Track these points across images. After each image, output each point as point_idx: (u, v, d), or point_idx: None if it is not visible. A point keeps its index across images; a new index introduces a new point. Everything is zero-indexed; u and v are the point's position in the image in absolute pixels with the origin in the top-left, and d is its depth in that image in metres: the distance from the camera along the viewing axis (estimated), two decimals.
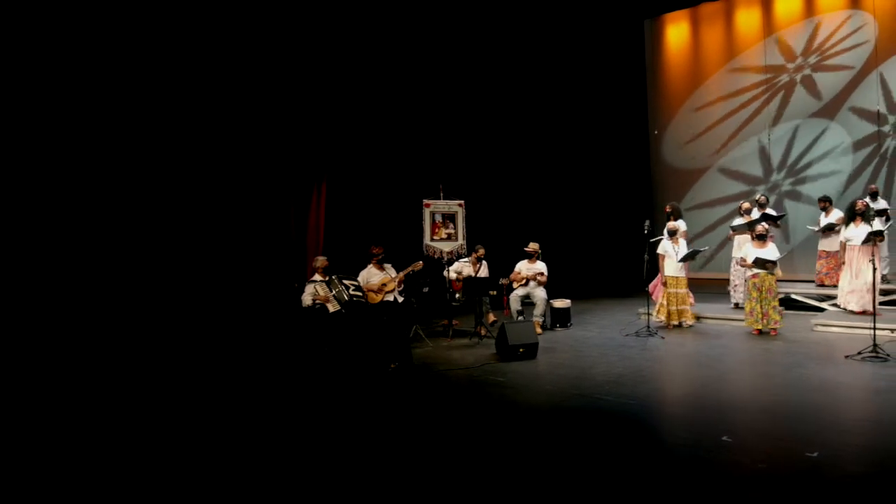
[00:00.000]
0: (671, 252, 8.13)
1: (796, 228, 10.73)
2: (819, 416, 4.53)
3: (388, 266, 7.66)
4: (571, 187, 12.97)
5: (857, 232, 7.82)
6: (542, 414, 4.95)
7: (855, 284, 7.85)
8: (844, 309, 8.01)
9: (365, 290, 7.43)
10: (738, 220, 8.99)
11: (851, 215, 7.97)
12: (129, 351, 6.80)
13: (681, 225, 8.75)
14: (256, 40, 8.39)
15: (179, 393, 5.64)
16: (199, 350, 7.08)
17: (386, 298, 7.48)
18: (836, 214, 8.85)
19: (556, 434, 4.40)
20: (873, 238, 7.43)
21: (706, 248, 9.12)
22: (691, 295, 8.45)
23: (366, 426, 4.66)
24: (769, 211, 9.20)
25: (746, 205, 9.11)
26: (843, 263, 8.11)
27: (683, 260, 8.13)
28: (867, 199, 8.71)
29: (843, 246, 8.10)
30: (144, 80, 7.40)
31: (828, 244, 9.01)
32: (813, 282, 9.33)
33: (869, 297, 7.65)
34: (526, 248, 8.44)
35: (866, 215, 7.76)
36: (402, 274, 7.57)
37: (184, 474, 3.82)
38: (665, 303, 8.18)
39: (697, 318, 8.54)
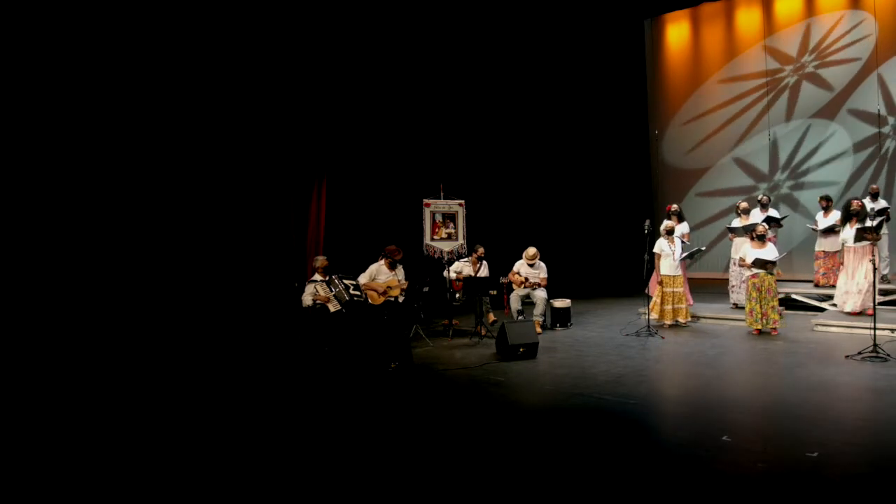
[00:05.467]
0: (667, 250, 8.12)
1: (796, 229, 10.74)
2: (819, 416, 4.53)
3: (399, 268, 7.62)
4: (572, 187, 12.98)
5: (851, 233, 7.80)
6: (543, 414, 4.95)
7: (850, 286, 7.84)
8: (841, 311, 7.99)
9: (368, 288, 7.40)
10: (736, 221, 8.96)
11: (847, 216, 7.95)
12: (130, 350, 6.81)
13: (683, 227, 8.74)
14: (258, 39, 8.38)
15: (180, 392, 5.64)
16: (199, 350, 7.08)
17: (387, 299, 7.48)
18: (835, 216, 8.80)
19: (557, 434, 4.40)
20: (863, 235, 7.37)
21: (703, 248, 9.12)
22: (689, 294, 8.44)
23: (366, 426, 4.66)
24: (772, 213, 9.16)
25: (744, 205, 9.05)
26: (843, 264, 8.09)
27: (683, 259, 8.12)
28: (867, 199, 8.70)
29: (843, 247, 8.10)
30: (144, 80, 7.40)
31: (827, 244, 8.96)
32: (812, 282, 9.33)
33: (860, 297, 7.65)
34: (525, 256, 8.25)
35: (861, 215, 7.73)
36: (405, 283, 7.55)
37: (184, 474, 3.82)
38: (659, 301, 8.18)
39: (695, 317, 8.54)
